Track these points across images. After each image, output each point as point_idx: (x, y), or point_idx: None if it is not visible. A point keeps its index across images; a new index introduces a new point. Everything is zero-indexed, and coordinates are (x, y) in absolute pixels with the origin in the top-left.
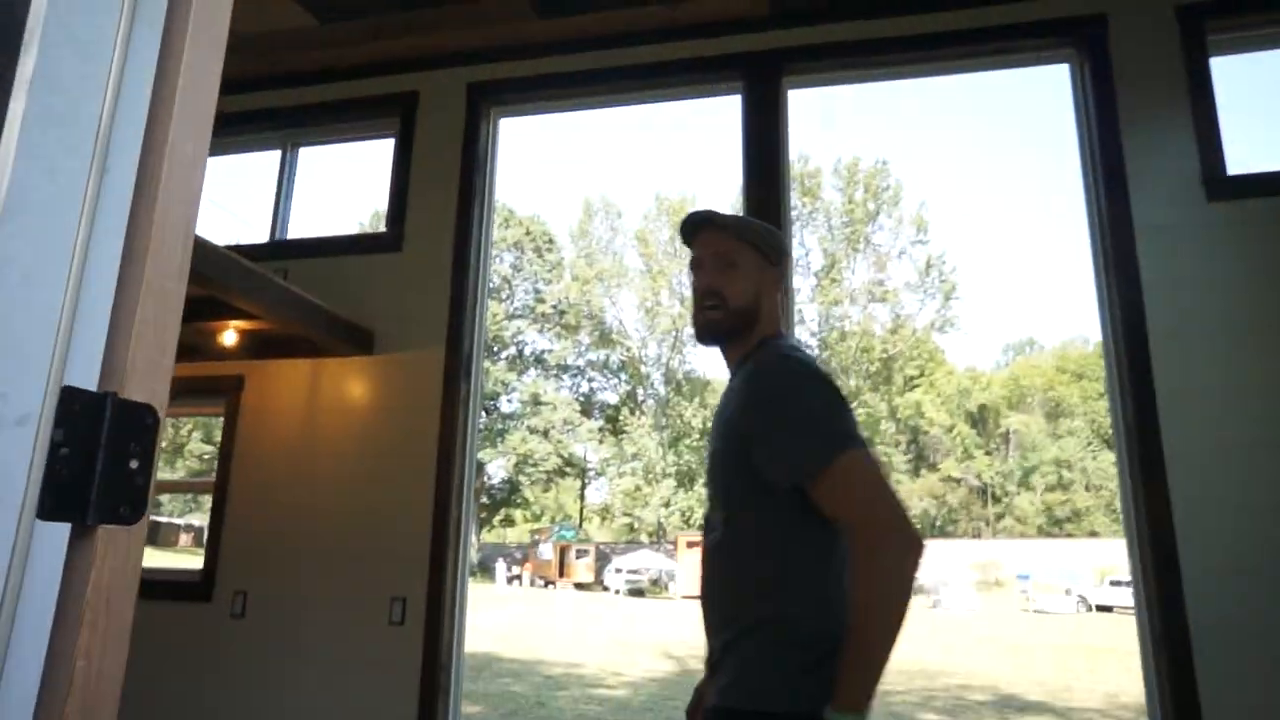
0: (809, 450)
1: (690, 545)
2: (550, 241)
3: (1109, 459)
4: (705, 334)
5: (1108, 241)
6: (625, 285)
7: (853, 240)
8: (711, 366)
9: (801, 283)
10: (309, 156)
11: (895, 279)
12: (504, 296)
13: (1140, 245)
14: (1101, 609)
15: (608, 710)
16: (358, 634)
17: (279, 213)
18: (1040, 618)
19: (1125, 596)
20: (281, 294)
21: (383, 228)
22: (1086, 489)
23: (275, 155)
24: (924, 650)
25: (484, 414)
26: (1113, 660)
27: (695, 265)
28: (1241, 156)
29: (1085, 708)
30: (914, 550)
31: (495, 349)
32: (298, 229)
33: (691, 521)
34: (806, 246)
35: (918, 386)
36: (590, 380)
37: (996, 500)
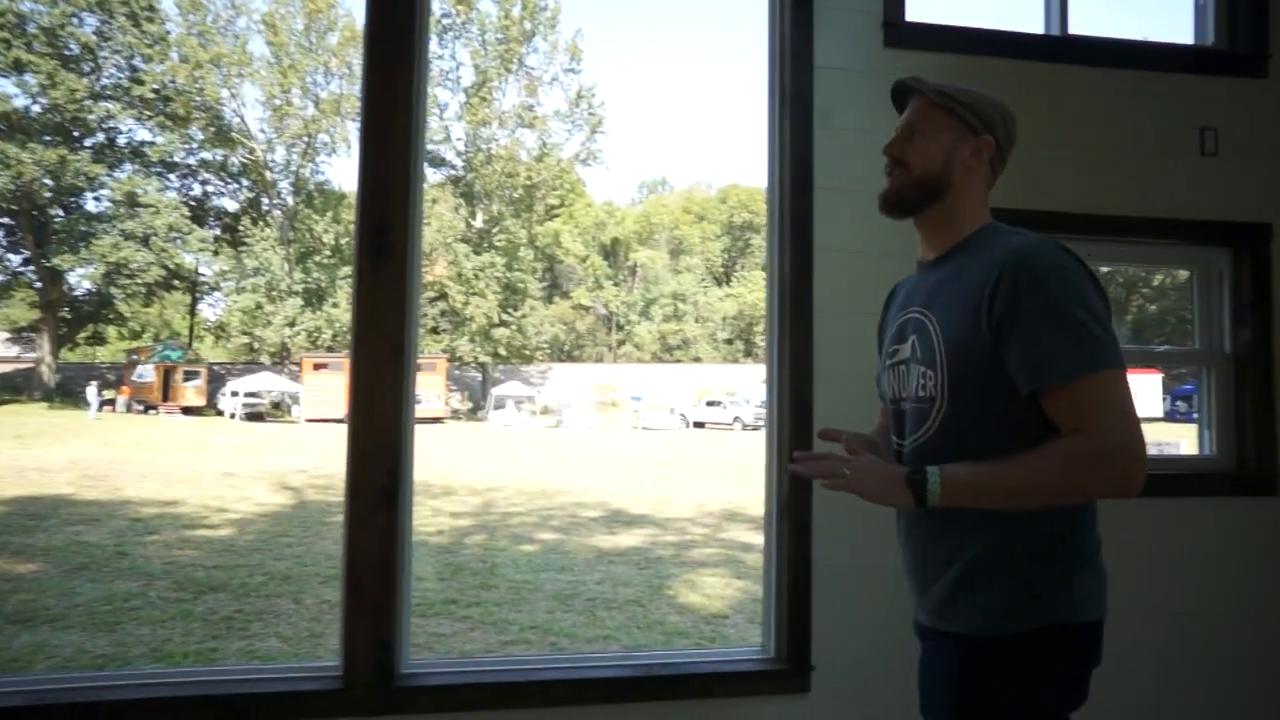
0: (1065, 355)
1: (317, 367)
2: (151, 9)
3: (716, 294)
4: (886, 202)
5: (786, 77)
6: (249, 77)
7: (506, 60)
8: (348, 179)
9: (450, 99)
10: None
11: (545, 106)
12: (87, 69)
13: (818, 86)
14: (697, 425)
15: (207, 554)
16: None
17: None
18: (648, 435)
19: (718, 414)
20: None
21: None
22: (696, 321)
23: None
24: (544, 471)
25: (62, 212)
26: (704, 472)
27: None
28: (924, 3)
29: (679, 516)
30: (1113, 489)
31: (76, 134)
32: None
33: (319, 342)
34: (458, 59)
35: (558, 216)
36: (204, 183)
37: (620, 328)
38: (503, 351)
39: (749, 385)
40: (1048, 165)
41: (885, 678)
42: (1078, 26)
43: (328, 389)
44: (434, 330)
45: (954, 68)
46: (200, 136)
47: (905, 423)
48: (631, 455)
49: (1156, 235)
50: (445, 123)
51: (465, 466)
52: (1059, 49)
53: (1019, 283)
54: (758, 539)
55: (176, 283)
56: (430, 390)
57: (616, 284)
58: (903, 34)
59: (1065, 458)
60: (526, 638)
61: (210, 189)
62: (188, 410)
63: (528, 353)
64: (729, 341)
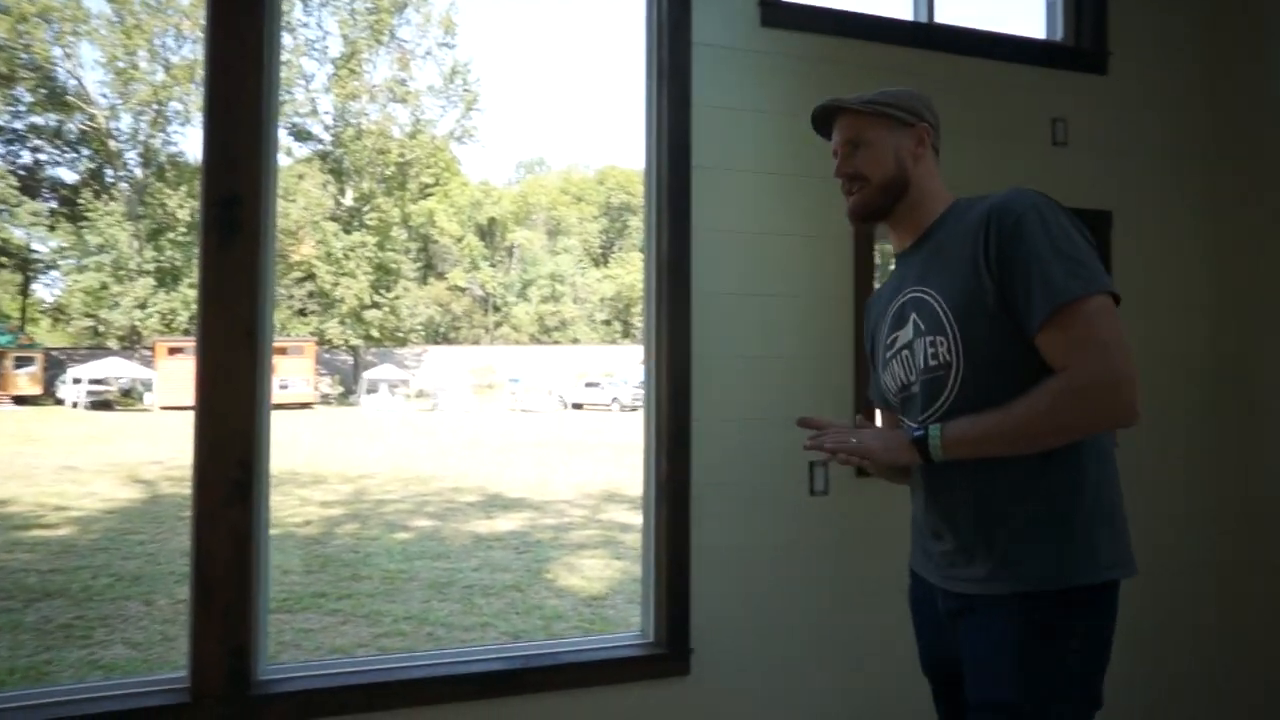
0: (1059, 282)
1: (172, 351)
2: None
3: (594, 275)
4: (859, 215)
5: (664, 53)
6: (86, 36)
7: (376, 31)
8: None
9: (317, 70)
10: None
11: (418, 81)
12: None
13: (695, 64)
14: (576, 406)
15: (43, 556)
16: None
17: None
18: (526, 417)
19: (596, 395)
20: None
21: None
22: (574, 301)
23: None
24: (420, 456)
25: None
26: (582, 453)
27: (835, 157)
28: None
29: (558, 499)
30: (1106, 418)
31: None
32: None
33: (174, 325)
34: (324, 28)
35: (432, 195)
36: (35, 150)
37: (497, 309)
38: (375, 334)
39: (627, 366)
40: None
41: (763, 657)
42: (943, 16)
43: (184, 374)
44: (301, 312)
45: (827, 49)
46: (29, 98)
47: (918, 402)
48: (509, 438)
49: None
50: (312, 94)
51: (336, 453)
52: (925, 36)
53: (1004, 228)
54: (637, 519)
55: (4, 260)
56: (298, 375)
57: (493, 265)
58: (779, 14)
59: (1052, 396)
60: (401, 629)
61: (43, 157)
62: (20, 400)
63: (401, 335)
64: (607, 323)
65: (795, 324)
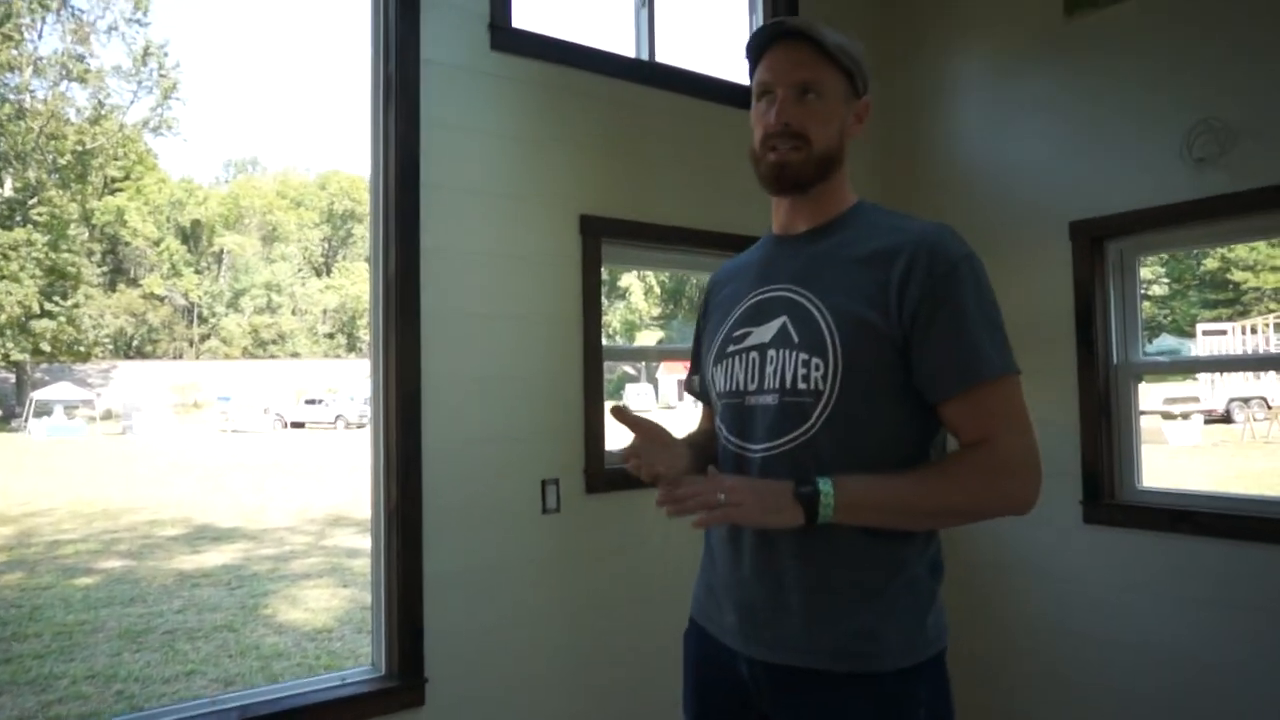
0: (993, 354)
1: None
2: None
3: (316, 285)
4: (780, 180)
5: (391, 67)
6: None
7: None
8: None
9: None
10: None
11: (102, 59)
12: None
13: (424, 81)
14: (296, 425)
15: None
16: None
17: None
18: (239, 438)
19: (319, 413)
20: None
21: None
22: (293, 313)
23: None
24: (107, 486)
25: None
26: (303, 476)
27: (763, 92)
28: (531, 11)
29: (277, 526)
30: (1015, 507)
31: None
32: None
33: None
34: None
35: (122, 191)
36: None
37: (203, 321)
38: (46, 347)
39: (352, 381)
40: (630, 177)
41: (502, 680)
42: (663, 55)
43: None
44: None
45: (555, 76)
46: None
47: (757, 421)
48: (219, 462)
49: (714, 246)
50: None
51: None
52: (647, 73)
53: (935, 272)
54: (365, 543)
55: None
56: None
57: (199, 271)
58: (508, 39)
59: (980, 474)
60: (81, 691)
61: None
62: None
63: (82, 349)
64: (330, 336)
65: (525, 344)
